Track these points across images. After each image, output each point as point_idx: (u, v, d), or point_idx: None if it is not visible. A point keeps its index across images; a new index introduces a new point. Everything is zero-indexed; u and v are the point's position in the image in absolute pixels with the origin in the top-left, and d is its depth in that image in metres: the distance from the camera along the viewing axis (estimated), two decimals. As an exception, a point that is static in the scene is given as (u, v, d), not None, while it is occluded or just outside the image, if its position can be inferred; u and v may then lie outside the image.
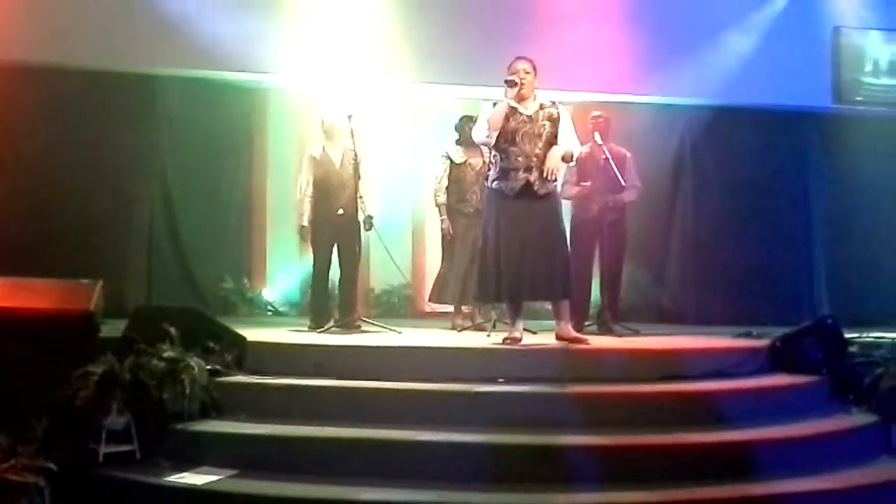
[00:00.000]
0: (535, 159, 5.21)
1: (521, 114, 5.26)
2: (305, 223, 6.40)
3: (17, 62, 6.89)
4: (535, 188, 5.20)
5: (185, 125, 7.58)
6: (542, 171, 5.19)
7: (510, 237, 5.21)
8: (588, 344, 5.25)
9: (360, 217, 6.30)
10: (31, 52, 6.92)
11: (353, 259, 6.35)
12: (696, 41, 7.93)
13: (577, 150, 5.45)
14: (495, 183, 5.31)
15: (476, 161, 6.58)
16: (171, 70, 7.37)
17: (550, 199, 5.30)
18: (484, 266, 5.32)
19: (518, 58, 5.31)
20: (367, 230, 6.43)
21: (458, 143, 6.70)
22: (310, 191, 6.38)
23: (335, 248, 6.43)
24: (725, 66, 7.94)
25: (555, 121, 5.28)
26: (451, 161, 6.63)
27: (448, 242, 6.67)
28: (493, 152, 5.36)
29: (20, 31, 6.92)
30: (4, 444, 3.74)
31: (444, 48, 7.52)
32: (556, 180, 5.34)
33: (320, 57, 7.43)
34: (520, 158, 5.21)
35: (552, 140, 5.26)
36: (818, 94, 8.28)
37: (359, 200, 6.22)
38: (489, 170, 5.45)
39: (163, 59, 7.22)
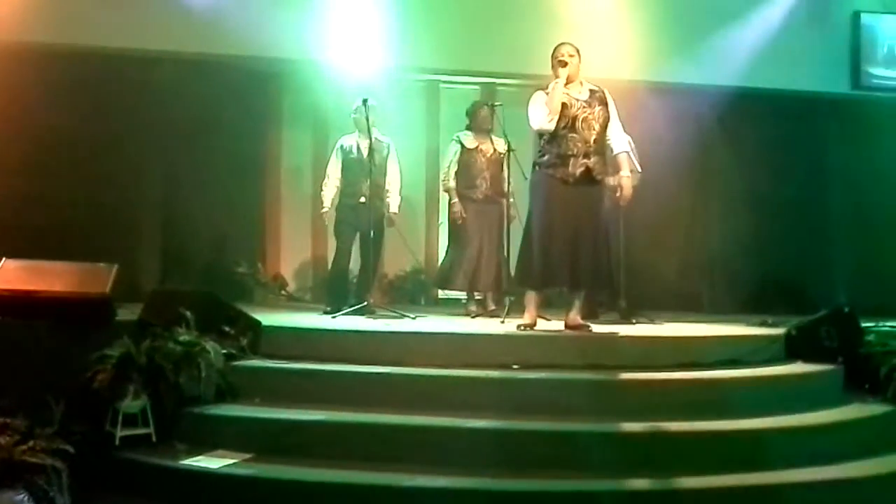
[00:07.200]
0: (592, 145, 5.15)
1: (577, 99, 5.19)
2: (326, 207, 6.58)
3: (26, 43, 6.86)
4: (595, 174, 5.16)
5: (197, 108, 7.56)
6: (599, 157, 5.18)
7: (563, 223, 5.14)
8: (591, 331, 5.25)
9: (385, 209, 6.39)
10: (39, 34, 6.91)
11: (371, 247, 6.39)
12: (715, 25, 7.85)
13: (626, 144, 5.40)
14: (550, 169, 5.18)
15: (487, 147, 6.57)
16: (183, 51, 7.35)
17: (601, 185, 5.28)
18: (528, 250, 5.24)
19: (562, 43, 5.25)
20: (389, 227, 6.56)
21: (469, 128, 6.67)
22: (336, 177, 6.53)
23: (357, 236, 6.51)
24: (744, 51, 7.86)
25: (606, 105, 5.23)
26: (462, 146, 6.59)
27: (456, 228, 6.61)
28: (545, 138, 5.22)
29: (29, 12, 6.92)
30: (23, 427, 3.77)
31: (460, 33, 7.48)
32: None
33: (336, 40, 7.40)
34: (579, 144, 5.13)
35: (606, 125, 5.21)
36: (837, 79, 8.20)
37: (385, 193, 6.41)
38: (541, 156, 5.25)
39: (175, 40, 7.20)
